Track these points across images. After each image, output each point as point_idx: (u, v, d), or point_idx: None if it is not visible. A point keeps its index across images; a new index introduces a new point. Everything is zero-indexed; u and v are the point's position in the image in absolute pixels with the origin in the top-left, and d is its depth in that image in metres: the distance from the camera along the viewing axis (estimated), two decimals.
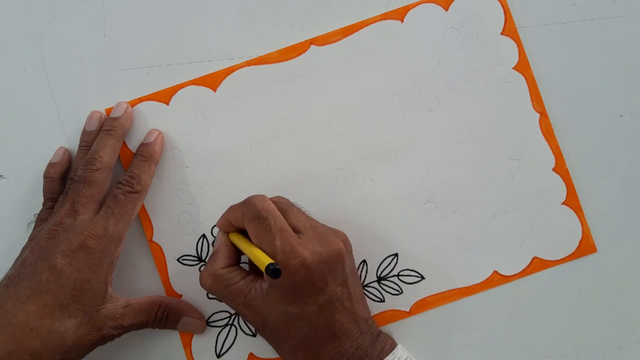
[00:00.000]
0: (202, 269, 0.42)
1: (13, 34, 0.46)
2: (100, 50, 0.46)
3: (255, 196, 0.41)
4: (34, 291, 0.39)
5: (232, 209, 0.42)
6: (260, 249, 0.39)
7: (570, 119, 0.45)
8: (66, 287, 0.39)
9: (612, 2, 0.45)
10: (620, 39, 0.46)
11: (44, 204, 0.44)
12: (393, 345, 0.40)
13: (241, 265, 0.43)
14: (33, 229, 0.44)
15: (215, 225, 0.45)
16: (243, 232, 0.42)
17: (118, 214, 0.41)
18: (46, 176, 0.44)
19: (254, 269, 0.43)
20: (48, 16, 0.46)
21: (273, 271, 0.36)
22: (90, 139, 0.44)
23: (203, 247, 0.45)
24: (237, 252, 0.43)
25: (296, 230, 0.40)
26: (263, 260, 0.37)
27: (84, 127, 0.45)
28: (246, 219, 0.40)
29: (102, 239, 0.40)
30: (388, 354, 0.40)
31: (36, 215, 0.44)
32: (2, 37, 0.46)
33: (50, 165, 0.45)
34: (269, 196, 0.42)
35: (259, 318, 0.40)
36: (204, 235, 0.45)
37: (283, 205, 0.41)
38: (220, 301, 0.44)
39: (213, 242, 0.45)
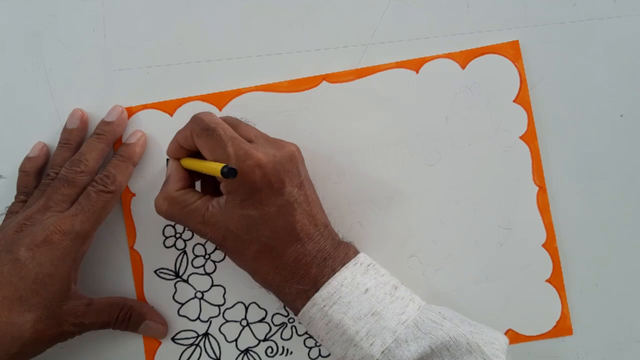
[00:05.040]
0: (156, 195, 0.42)
1: (13, 34, 0.46)
2: (100, 50, 0.46)
3: (201, 112, 0.41)
4: None
5: (180, 131, 0.41)
6: (213, 159, 0.39)
7: (569, 128, 0.45)
8: (27, 280, 0.39)
9: (612, 2, 0.45)
10: (620, 39, 0.45)
11: (16, 197, 0.44)
12: (356, 252, 0.41)
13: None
14: (3, 221, 0.43)
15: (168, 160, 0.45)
16: (194, 157, 0.42)
17: (87, 212, 0.41)
18: (22, 170, 0.45)
19: (209, 191, 0.43)
20: (48, 16, 0.46)
21: (229, 171, 0.36)
22: (71, 137, 0.44)
23: (182, 263, 0.45)
24: (190, 177, 0.42)
25: (248, 140, 0.40)
26: (217, 167, 0.37)
27: (65, 125, 0.45)
28: (195, 135, 0.40)
29: (67, 235, 0.40)
30: (351, 259, 0.40)
31: (7, 208, 0.44)
32: (2, 37, 0.46)
33: (27, 159, 0.45)
34: None
35: (220, 233, 0.40)
36: (184, 252, 0.45)
37: (232, 121, 0.42)
38: (177, 224, 0.45)
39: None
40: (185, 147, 0.41)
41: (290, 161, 0.40)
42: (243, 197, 0.39)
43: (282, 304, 0.45)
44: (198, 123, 0.40)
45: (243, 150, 0.39)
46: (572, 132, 0.45)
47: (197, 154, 0.41)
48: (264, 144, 0.40)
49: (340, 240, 0.41)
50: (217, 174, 0.36)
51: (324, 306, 0.38)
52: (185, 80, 0.45)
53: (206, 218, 0.40)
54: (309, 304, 0.39)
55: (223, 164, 0.36)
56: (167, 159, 0.43)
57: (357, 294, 0.38)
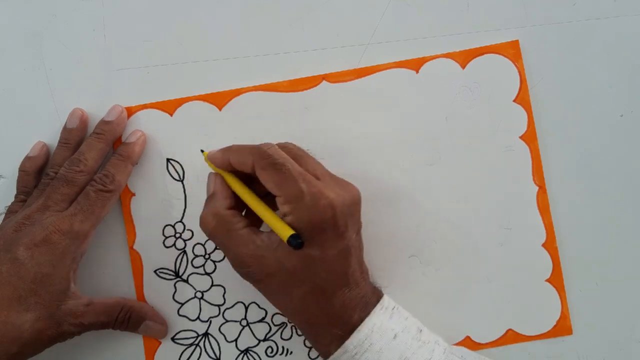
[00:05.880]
0: (202, 211, 0.40)
1: (13, 34, 0.46)
2: (100, 50, 0.46)
3: (265, 144, 0.40)
4: None
5: (236, 152, 0.40)
6: (281, 194, 0.38)
7: (568, 131, 0.45)
8: (26, 279, 0.39)
9: (612, 2, 0.45)
10: (620, 39, 0.45)
11: (16, 197, 0.44)
12: (381, 295, 0.40)
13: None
14: (2, 221, 0.43)
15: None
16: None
17: (86, 211, 0.41)
18: (21, 169, 0.44)
19: (250, 213, 0.41)
20: (48, 16, 0.46)
21: (297, 244, 0.36)
22: (70, 136, 0.44)
23: (182, 263, 0.45)
24: (236, 195, 0.41)
25: (314, 177, 0.39)
26: (283, 231, 0.37)
27: (65, 124, 0.45)
28: (260, 168, 0.39)
29: (66, 235, 0.40)
30: (377, 303, 0.40)
31: (7, 208, 0.44)
32: (2, 37, 0.46)
33: (27, 158, 0.45)
34: None
35: (265, 269, 0.38)
36: (184, 252, 0.45)
37: (297, 152, 0.41)
38: (217, 247, 0.45)
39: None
40: (234, 168, 0.40)
41: (355, 205, 0.40)
42: (307, 236, 0.38)
43: None
44: (265, 156, 0.39)
45: (316, 188, 0.38)
46: (572, 132, 0.45)
47: (237, 174, 0.41)
48: (332, 184, 0.40)
49: (374, 285, 0.41)
50: (281, 234, 0.37)
51: (355, 354, 0.38)
52: (185, 80, 0.45)
53: (252, 250, 0.39)
54: (339, 350, 0.38)
55: (287, 229, 0.37)
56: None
57: (387, 340, 0.38)
